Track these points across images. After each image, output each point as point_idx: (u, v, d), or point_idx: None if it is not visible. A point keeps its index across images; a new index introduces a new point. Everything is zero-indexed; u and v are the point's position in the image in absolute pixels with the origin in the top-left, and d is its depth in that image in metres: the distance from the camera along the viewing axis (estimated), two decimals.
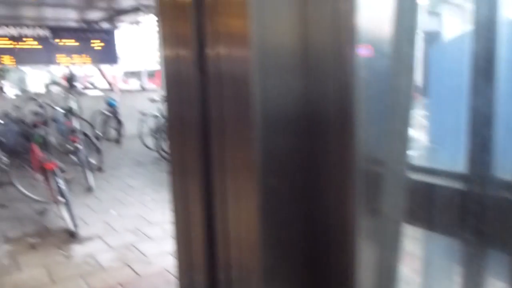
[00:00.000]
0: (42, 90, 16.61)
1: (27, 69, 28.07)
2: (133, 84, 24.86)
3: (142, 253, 4.21)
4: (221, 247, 0.95)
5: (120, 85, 20.07)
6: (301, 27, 0.85)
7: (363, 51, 0.80)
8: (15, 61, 11.04)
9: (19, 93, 18.72)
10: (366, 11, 0.79)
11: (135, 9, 10.92)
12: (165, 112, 1.11)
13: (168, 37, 1.01)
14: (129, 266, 3.95)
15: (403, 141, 0.78)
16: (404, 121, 0.78)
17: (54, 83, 20.29)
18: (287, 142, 0.86)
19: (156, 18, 1.06)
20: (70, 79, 17.86)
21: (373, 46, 0.83)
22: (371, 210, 0.85)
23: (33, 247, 4.42)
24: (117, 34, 12.54)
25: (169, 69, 1.03)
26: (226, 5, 0.84)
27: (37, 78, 31.97)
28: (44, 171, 4.77)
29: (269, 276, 0.86)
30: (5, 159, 6.89)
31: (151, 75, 21.46)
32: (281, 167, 0.86)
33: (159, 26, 1.04)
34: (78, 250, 4.33)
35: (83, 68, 21.91)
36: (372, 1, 0.82)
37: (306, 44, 0.85)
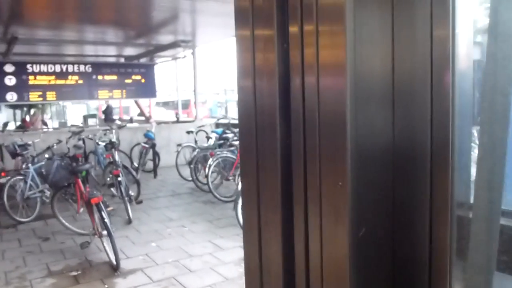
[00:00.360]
0: (80, 122, 17.21)
1: (66, 103, 29.18)
2: (167, 114, 25.47)
3: (184, 287, 4.19)
4: (300, 284, 0.93)
5: (155, 116, 20.58)
6: (391, 54, 0.84)
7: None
8: (58, 97, 11.51)
9: (58, 126, 19.46)
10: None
11: (173, 45, 11.26)
12: (239, 144, 1.10)
13: (247, 69, 1.02)
14: None
15: (499, 184, 0.75)
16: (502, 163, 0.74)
17: (92, 116, 21.01)
18: (375, 179, 0.84)
19: (234, 49, 1.07)
20: (107, 111, 18.47)
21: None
22: (463, 257, 0.81)
23: (76, 280, 4.47)
24: (156, 68, 12.93)
25: (245, 100, 1.03)
26: (322, 34, 0.84)
27: (75, 111, 33.24)
28: (89, 204, 4.87)
29: None
30: (48, 192, 7.09)
31: (185, 106, 21.95)
32: (371, 206, 0.84)
33: (237, 57, 1.05)
34: (121, 283, 4.35)
35: (119, 101, 22.65)
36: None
37: (395, 74, 0.84)
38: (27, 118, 15.41)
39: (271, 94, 0.98)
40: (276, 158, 0.94)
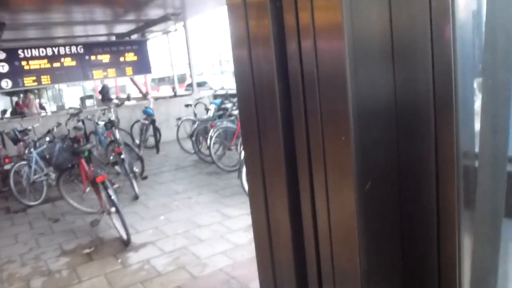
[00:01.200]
0: (77, 104, 17.13)
1: (62, 86, 29.01)
2: (164, 90, 25.31)
3: (196, 256, 4.27)
4: (309, 244, 0.95)
5: (152, 92, 20.47)
6: (388, 9, 0.83)
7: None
8: (53, 80, 11.41)
9: (55, 109, 19.39)
10: None
11: (163, 18, 11.06)
12: (239, 116, 1.10)
13: (242, 37, 1.01)
14: (184, 269, 4.01)
15: (504, 127, 0.75)
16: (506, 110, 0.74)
17: (89, 97, 20.89)
18: (379, 135, 0.84)
19: (227, 18, 1.06)
20: (103, 91, 18.35)
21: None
22: (470, 206, 0.82)
23: (90, 257, 4.56)
24: (148, 44, 12.76)
25: (241, 69, 1.03)
26: None
27: (72, 93, 33.05)
28: (94, 183, 4.91)
29: (367, 274, 0.84)
30: (53, 175, 7.15)
31: (181, 80, 21.78)
32: (375, 161, 0.85)
33: (230, 26, 1.04)
34: (133, 257, 4.43)
35: (115, 80, 22.46)
36: None
37: (393, 30, 0.83)
38: (20, 102, 15.33)
39: (267, 60, 0.97)
40: (277, 121, 0.94)
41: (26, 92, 14.27)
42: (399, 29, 0.84)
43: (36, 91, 22.51)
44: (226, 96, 10.49)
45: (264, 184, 1.08)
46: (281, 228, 1.06)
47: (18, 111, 13.26)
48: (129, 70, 12.30)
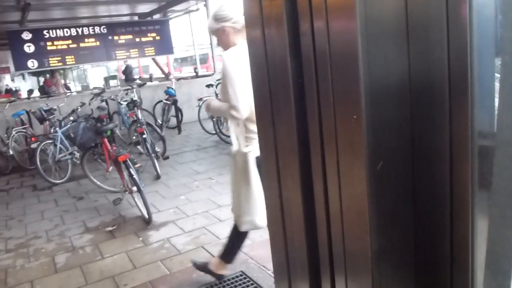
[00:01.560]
0: (101, 84, 17.36)
1: (86, 66, 29.43)
2: (186, 70, 25.39)
3: (215, 235, 4.32)
4: (321, 223, 0.95)
5: (175, 73, 20.57)
6: None
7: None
8: (77, 60, 11.58)
9: (80, 89, 19.72)
10: None
11: None
12: (253, 92, 1.10)
13: (255, 16, 1.00)
14: (204, 248, 4.07)
15: None
16: None
17: (112, 77, 21.14)
18: (392, 115, 0.83)
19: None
20: (127, 71, 18.53)
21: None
22: (485, 187, 0.80)
23: (112, 235, 4.67)
24: (171, 24, 12.76)
25: (255, 48, 1.02)
26: None
27: (96, 74, 33.54)
28: (117, 162, 4.99)
29: (378, 254, 0.84)
30: (77, 154, 7.30)
31: (203, 60, 21.78)
32: (388, 141, 0.83)
33: (244, 5, 1.03)
34: (154, 235, 4.52)
35: (138, 60, 22.62)
36: None
37: (408, 7, 0.80)
38: (47, 78, 15.64)
39: (280, 39, 0.96)
40: (290, 100, 0.93)
41: (52, 72, 14.53)
42: (414, 6, 0.82)
43: (61, 71, 22.93)
44: None
45: (277, 163, 1.08)
46: (293, 207, 1.06)
47: (45, 89, 13.54)
48: (151, 51, 12.36)
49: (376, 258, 0.85)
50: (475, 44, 0.75)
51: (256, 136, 1.72)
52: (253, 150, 2.70)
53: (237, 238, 3.16)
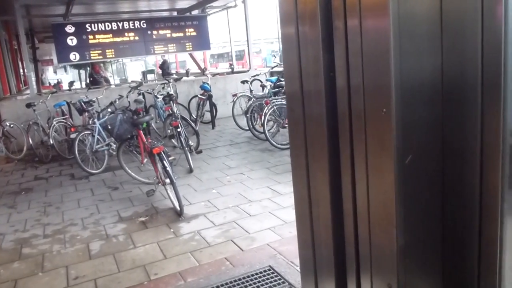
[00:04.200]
0: (139, 78, 17.72)
1: (125, 60, 30.16)
2: (222, 66, 25.60)
3: (245, 230, 4.36)
4: (348, 218, 0.95)
5: (211, 68, 20.78)
6: None
7: None
8: (116, 54, 11.88)
9: (119, 82, 20.22)
10: None
11: None
12: (286, 89, 1.11)
13: (290, 13, 1.01)
14: (233, 242, 4.12)
15: None
16: None
17: (150, 71, 21.55)
18: (422, 110, 0.83)
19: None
20: (164, 66, 18.87)
21: None
22: None
23: (144, 225, 4.78)
24: (208, 20, 12.89)
25: (288, 43, 1.03)
26: None
27: (135, 68, 34.32)
28: (151, 155, 5.10)
29: (404, 249, 0.84)
30: (114, 145, 7.50)
31: (239, 57, 21.89)
32: (418, 135, 0.83)
33: (279, 2, 1.04)
34: (185, 227, 4.60)
35: (175, 55, 22.96)
36: None
37: (443, 5, 0.80)
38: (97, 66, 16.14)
39: (314, 36, 0.97)
40: (321, 94, 0.94)
41: (93, 64, 14.94)
42: (449, 3, 0.81)
43: (101, 64, 23.62)
44: (282, 74, 10.44)
45: (306, 158, 1.09)
46: (321, 201, 1.07)
47: (94, 75, 13.96)
48: (188, 46, 12.52)
49: (401, 253, 0.85)
50: (509, 43, 0.74)
51: None
52: None
53: None
